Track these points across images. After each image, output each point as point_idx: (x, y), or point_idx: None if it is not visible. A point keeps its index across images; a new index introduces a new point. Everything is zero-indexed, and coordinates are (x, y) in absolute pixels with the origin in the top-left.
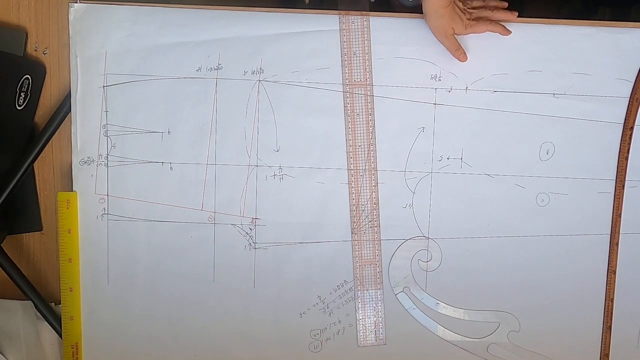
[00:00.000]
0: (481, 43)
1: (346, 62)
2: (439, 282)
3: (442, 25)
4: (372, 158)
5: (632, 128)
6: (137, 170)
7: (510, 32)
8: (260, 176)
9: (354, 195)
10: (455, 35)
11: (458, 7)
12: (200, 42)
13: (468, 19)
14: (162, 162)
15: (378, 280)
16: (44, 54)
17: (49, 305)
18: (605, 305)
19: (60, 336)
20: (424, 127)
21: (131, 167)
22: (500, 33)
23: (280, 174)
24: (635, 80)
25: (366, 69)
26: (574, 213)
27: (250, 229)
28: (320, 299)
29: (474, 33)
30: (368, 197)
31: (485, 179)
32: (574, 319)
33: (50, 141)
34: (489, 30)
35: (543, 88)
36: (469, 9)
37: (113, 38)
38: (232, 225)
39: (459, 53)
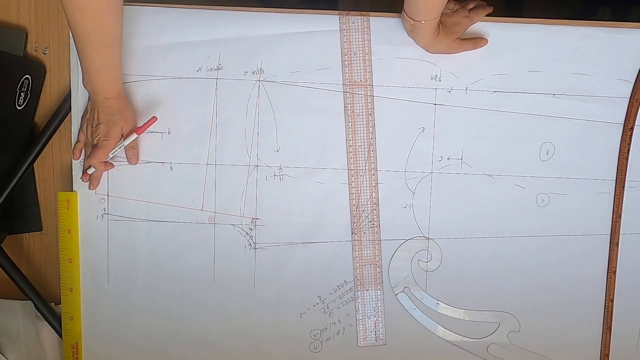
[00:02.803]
0: None
1: (346, 62)
2: (439, 283)
3: (443, 47)
4: (372, 158)
5: (632, 128)
6: (137, 170)
7: (487, 40)
8: (260, 176)
9: (354, 195)
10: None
11: (446, 18)
12: (200, 42)
13: (466, 17)
14: (162, 162)
15: (378, 280)
16: (44, 54)
17: (49, 305)
18: (605, 305)
19: (60, 336)
20: (424, 127)
21: (131, 167)
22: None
23: (280, 174)
24: (635, 81)
25: (366, 69)
26: (574, 213)
27: (250, 229)
28: (320, 299)
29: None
30: (368, 197)
31: (485, 179)
32: (574, 319)
33: (50, 141)
34: (473, 48)
35: (543, 88)
36: (450, 10)
37: None
38: (232, 226)
39: (478, 45)
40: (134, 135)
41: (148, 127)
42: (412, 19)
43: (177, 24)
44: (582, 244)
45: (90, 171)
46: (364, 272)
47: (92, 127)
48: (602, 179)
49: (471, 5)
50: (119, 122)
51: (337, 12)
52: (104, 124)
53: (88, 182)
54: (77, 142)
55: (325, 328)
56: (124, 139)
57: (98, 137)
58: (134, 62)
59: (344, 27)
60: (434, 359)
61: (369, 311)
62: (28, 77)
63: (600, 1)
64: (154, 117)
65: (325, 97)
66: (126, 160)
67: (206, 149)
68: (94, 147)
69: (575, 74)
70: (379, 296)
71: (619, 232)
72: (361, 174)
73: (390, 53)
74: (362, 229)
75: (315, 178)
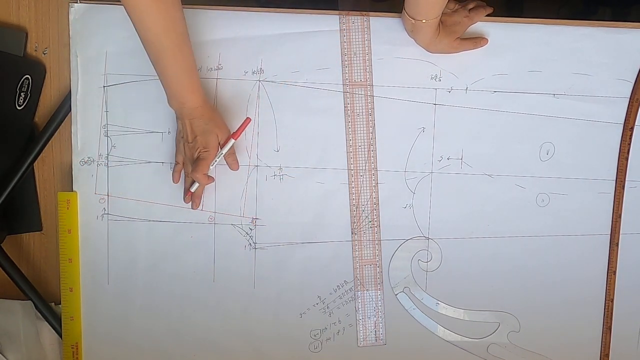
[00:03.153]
0: None
1: (346, 62)
2: (439, 283)
3: (443, 47)
4: (372, 158)
5: (632, 128)
6: (137, 170)
7: (487, 40)
8: (260, 176)
9: (354, 195)
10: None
11: (447, 17)
12: (200, 42)
13: (466, 17)
14: (162, 162)
15: (378, 280)
16: (44, 54)
17: (49, 305)
18: (605, 305)
19: (60, 336)
20: (424, 127)
21: (131, 167)
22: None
23: (280, 174)
24: (635, 81)
25: (366, 69)
26: (574, 213)
27: (250, 229)
28: (320, 299)
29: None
30: (368, 197)
31: (485, 179)
32: (574, 319)
33: (50, 141)
34: (473, 48)
35: (543, 88)
36: (450, 9)
37: (113, 38)
38: (232, 226)
39: (478, 45)
40: (232, 141)
41: (244, 129)
42: (412, 18)
43: None
44: (582, 244)
45: (193, 188)
46: (364, 272)
47: (188, 142)
48: (602, 179)
49: (471, 5)
50: (214, 130)
51: (337, 12)
52: (200, 136)
53: (190, 202)
54: (175, 164)
55: (325, 328)
56: (221, 148)
57: (198, 150)
58: (135, 62)
59: (344, 27)
60: (434, 359)
61: (369, 311)
62: (28, 77)
63: (600, 1)
64: (247, 118)
65: (325, 97)
66: (138, 162)
67: None
68: (195, 161)
69: (575, 74)
70: (379, 296)
71: (619, 232)
72: (361, 174)
73: (390, 53)
74: (362, 229)
75: (315, 178)
